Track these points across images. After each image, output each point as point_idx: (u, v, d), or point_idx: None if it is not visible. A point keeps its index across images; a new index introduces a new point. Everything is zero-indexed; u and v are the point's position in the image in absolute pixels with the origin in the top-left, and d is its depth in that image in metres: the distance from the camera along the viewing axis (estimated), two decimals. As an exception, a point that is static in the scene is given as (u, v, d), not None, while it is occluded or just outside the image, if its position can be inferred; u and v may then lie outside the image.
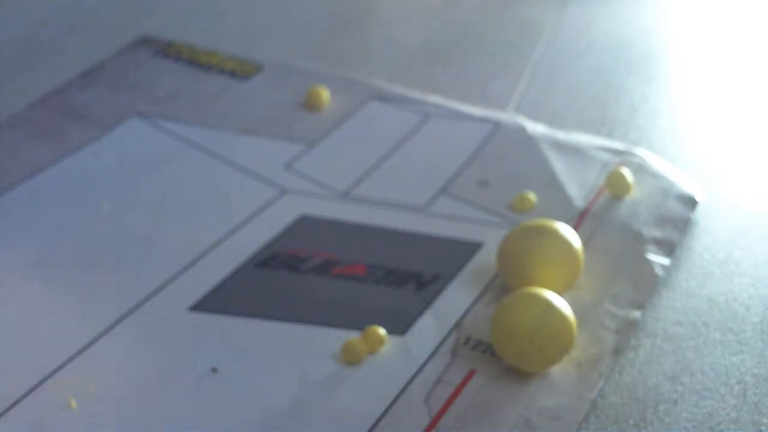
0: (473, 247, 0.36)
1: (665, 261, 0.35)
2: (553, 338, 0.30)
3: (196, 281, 0.34)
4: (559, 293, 0.33)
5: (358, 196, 0.39)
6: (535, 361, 0.31)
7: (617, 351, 0.32)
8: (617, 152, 0.40)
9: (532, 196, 0.38)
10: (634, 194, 0.38)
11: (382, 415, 0.29)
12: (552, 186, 0.39)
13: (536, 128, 0.42)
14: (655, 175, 0.39)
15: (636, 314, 0.33)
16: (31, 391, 0.30)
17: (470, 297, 0.34)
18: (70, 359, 0.31)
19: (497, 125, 0.42)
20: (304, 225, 0.37)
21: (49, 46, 0.48)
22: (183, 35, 0.49)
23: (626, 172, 0.38)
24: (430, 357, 0.31)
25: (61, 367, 0.31)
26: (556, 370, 0.31)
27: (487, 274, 0.35)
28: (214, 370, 0.31)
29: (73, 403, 0.30)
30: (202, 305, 0.33)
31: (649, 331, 0.33)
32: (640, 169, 0.39)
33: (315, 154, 0.41)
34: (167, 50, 0.48)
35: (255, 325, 0.33)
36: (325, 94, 0.44)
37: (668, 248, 0.36)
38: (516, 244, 0.33)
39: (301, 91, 0.45)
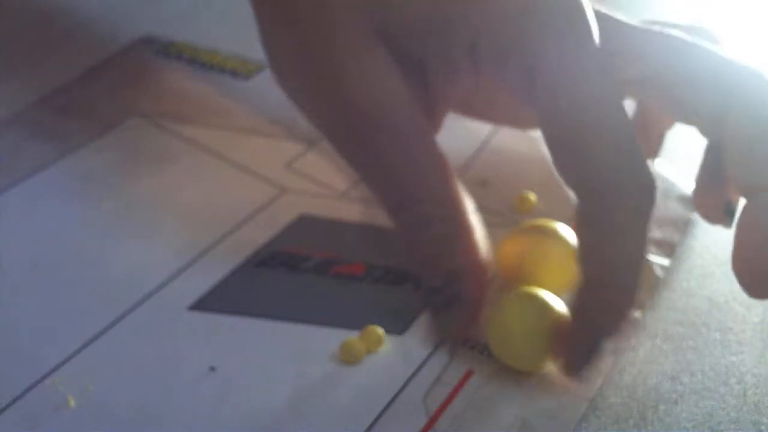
0: (473, 247, 0.36)
1: (665, 262, 0.35)
2: (549, 338, 0.30)
3: (196, 280, 0.34)
4: (559, 293, 0.33)
5: (358, 195, 0.38)
6: (531, 361, 0.31)
7: (616, 351, 0.32)
8: (618, 152, 0.40)
9: (532, 197, 0.38)
10: (635, 194, 0.38)
11: (380, 415, 0.29)
12: (552, 186, 0.39)
13: (537, 128, 0.42)
14: (655, 176, 0.39)
15: (635, 315, 0.33)
16: (29, 389, 0.30)
17: (469, 297, 0.34)
18: (69, 358, 0.31)
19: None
20: (303, 224, 0.37)
21: (50, 45, 0.48)
22: (184, 35, 0.49)
23: (627, 173, 0.38)
24: (429, 357, 0.31)
25: (59, 365, 0.31)
26: (554, 370, 0.31)
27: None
28: (212, 369, 0.31)
29: (72, 402, 0.30)
30: (202, 304, 0.33)
31: (649, 331, 0.33)
32: (640, 169, 0.39)
33: (315, 153, 0.41)
34: (168, 50, 0.47)
35: (254, 324, 0.33)
36: (325, 93, 0.44)
37: (668, 249, 0.36)
38: (516, 245, 0.33)
39: (301, 91, 0.45)
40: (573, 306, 0.30)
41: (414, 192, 0.31)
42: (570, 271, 0.33)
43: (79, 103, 0.44)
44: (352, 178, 0.39)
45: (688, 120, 0.33)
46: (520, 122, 0.39)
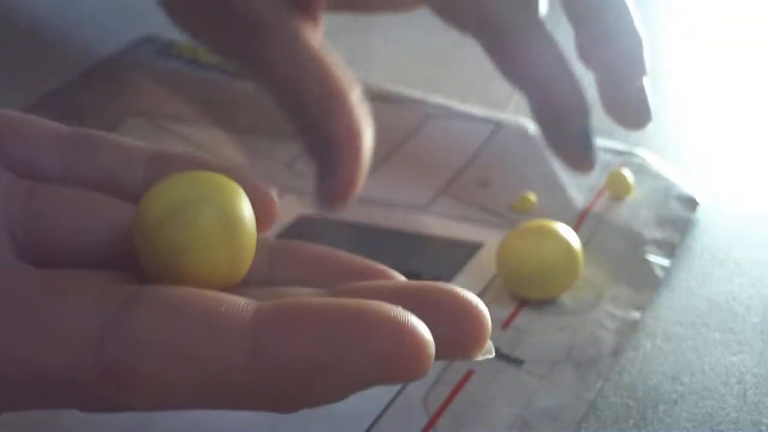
0: (473, 248, 0.36)
1: (665, 262, 0.35)
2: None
3: (196, 281, 0.34)
4: (559, 294, 0.33)
5: (358, 195, 0.38)
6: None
7: (616, 352, 0.32)
8: (618, 153, 0.40)
9: (532, 197, 0.38)
10: (635, 195, 0.38)
11: (380, 415, 0.29)
12: (552, 186, 0.39)
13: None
14: (656, 176, 0.39)
15: (635, 315, 0.33)
16: (30, 390, 0.30)
17: (470, 297, 0.34)
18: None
19: (498, 125, 0.42)
20: (303, 225, 0.37)
21: (49, 45, 0.48)
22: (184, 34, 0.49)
23: (627, 173, 0.38)
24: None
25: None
26: (555, 371, 0.31)
27: (486, 275, 0.35)
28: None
29: (72, 403, 0.29)
30: (202, 305, 0.33)
31: (649, 331, 0.33)
32: (640, 169, 0.39)
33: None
34: (168, 49, 0.48)
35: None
36: (325, 94, 0.44)
37: (668, 249, 0.36)
38: (516, 245, 0.33)
39: (301, 91, 0.45)
40: (539, 114, 0.35)
41: (297, 78, 0.34)
42: (570, 272, 0.33)
43: (78, 104, 0.44)
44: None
45: None
46: (392, 5, 0.42)
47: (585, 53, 0.37)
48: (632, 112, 0.37)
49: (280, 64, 0.35)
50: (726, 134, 0.43)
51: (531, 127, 0.42)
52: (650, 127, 0.38)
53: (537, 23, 0.35)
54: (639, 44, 0.36)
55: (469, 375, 0.31)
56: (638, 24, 0.36)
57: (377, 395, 0.30)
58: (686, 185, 0.39)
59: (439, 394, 0.30)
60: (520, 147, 0.41)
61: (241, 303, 0.21)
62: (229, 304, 0.21)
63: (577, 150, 0.35)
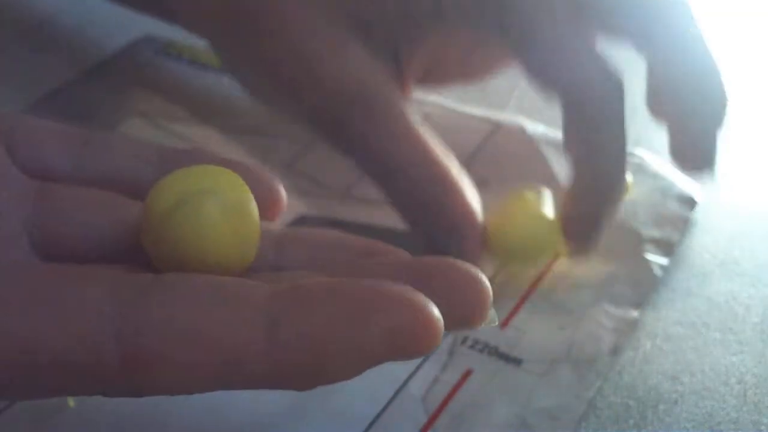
0: (473, 247, 0.36)
1: (664, 261, 0.35)
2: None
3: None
4: (543, 258, 0.35)
5: (358, 195, 0.39)
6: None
7: (615, 351, 0.32)
8: (617, 152, 0.40)
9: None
10: (633, 194, 0.38)
11: (380, 414, 0.29)
12: (552, 186, 0.39)
13: (536, 128, 0.42)
14: (655, 176, 0.39)
15: (634, 314, 0.33)
16: (29, 389, 0.30)
17: (469, 296, 0.34)
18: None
19: (497, 125, 0.42)
20: (303, 224, 0.37)
21: (49, 45, 0.48)
22: (184, 35, 0.49)
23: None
24: (428, 356, 0.31)
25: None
26: (554, 370, 0.31)
27: (485, 274, 0.34)
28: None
29: (71, 402, 0.30)
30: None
31: (648, 331, 0.33)
32: (639, 169, 0.39)
33: (315, 153, 0.41)
34: (168, 49, 0.48)
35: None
36: (325, 93, 0.44)
37: (667, 248, 0.36)
38: (496, 219, 0.34)
39: (301, 91, 0.45)
40: (571, 192, 0.34)
41: (401, 160, 0.33)
42: (547, 230, 0.34)
43: (78, 104, 0.44)
44: (352, 178, 0.39)
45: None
46: (469, 78, 0.41)
47: (660, 109, 0.36)
48: (698, 162, 0.36)
49: (385, 144, 0.33)
50: (726, 134, 0.43)
51: (529, 126, 0.42)
52: (650, 126, 0.38)
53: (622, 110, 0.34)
54: (723, 103, 0.35)
55: (468, 374, 0.31)
56: (723, 74, 0.35)
57: (377, 393, 0.30)
58: (685, 184, 0.39)
59: (438, 393, 0.30)
60: (519, 147, 0.41)
61: (255, 285, 0.21)
62: (243, 286, 0.21)
63: None
